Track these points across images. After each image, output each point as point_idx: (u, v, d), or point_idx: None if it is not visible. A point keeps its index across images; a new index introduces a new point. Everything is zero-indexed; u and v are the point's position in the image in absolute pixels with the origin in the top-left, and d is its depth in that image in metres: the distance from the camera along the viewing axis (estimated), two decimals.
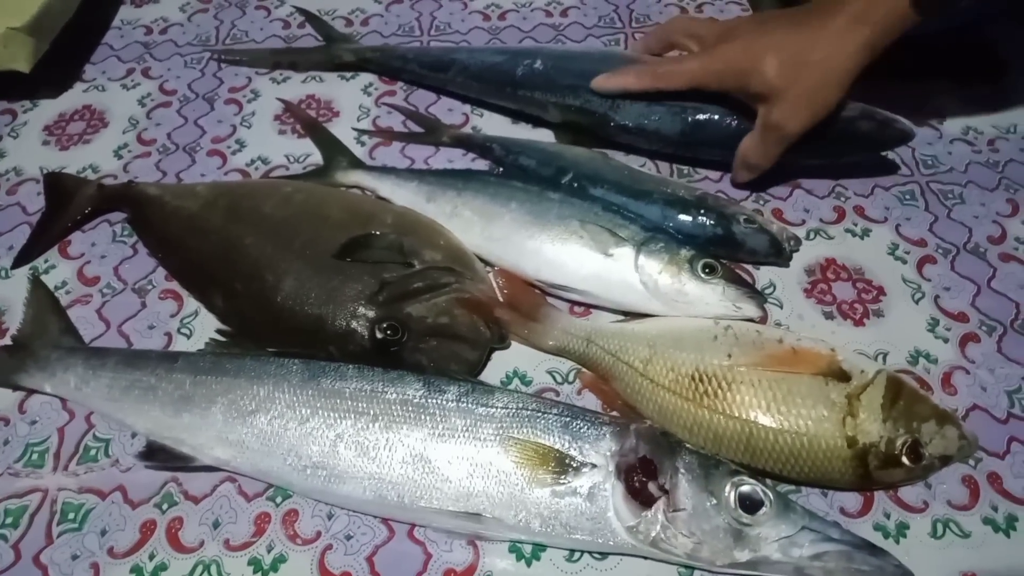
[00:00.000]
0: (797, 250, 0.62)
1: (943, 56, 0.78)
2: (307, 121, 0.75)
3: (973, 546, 0.48)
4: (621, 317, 0.59)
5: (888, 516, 0.50)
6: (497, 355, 0.58)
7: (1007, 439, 0.53)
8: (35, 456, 0.53)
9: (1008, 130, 0.74)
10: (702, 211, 0.61)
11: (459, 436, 0.47)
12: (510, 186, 0.63)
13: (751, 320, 0.56)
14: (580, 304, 0.60)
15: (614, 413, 0.53)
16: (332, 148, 0.71)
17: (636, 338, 0.54)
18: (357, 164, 0.69)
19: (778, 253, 0.61)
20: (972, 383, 0.56)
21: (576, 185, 0.64)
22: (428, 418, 0.48)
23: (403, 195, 0.66)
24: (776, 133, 0.60)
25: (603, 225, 0.58)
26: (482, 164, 0.72)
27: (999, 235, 0.65)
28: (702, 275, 0.55)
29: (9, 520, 0.50)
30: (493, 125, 0.76)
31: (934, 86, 0.78)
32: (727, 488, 0.44)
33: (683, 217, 0.61)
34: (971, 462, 0.52)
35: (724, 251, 0.61)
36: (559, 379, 0.57)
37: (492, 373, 0.57)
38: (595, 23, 0.87)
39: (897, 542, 0.49)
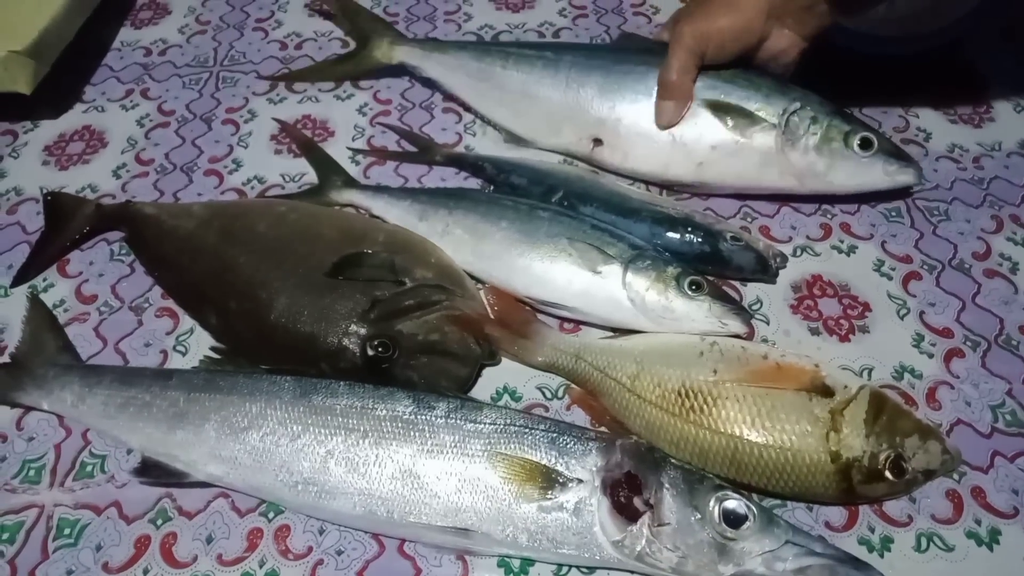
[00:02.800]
0: (783, 267, 0.63)
1: (928, 75, 0.79)
2: (302, 141, 0.76)
3: (956, 560, 0.49)
4: (610, 333, 0.60)
5: (872, 530, 0.50)
6: (487, 371, 0.58)
7: (990, 453, 0.54)
8: (32, 472, 0.54)
9: (992, 147, 0.75)
10: (689, 229, 0.62)
11: (448, 452, 0.48)
12: (501, 204, 0.64)
13: (737, 336, 0.56)
14: (569, 320, 0.61)
15: (601, 429, 0.54)
16: (327, 167, 0.72)
17: (624, 354, 0.55)
18: (351, 183, 0.70)
19: (764, 270, 0.62)
20: (956, 398, 0.57)
21: (566, 203, 0.65)
22: (417, 434, 0.49)
23: (396, 214, 0.67)
24: (674, 38, 0.65)
25: (592, 243, 0.59)
26: (474, 183, 0.73)
27: (984, 251, 0.66)
28: (688, 292, 0.56)
29: (5, 536, 0.51)
30: (486, 144, 0.77)
31: (919, 105, 0.79)
32: (711, 503, 0.45)
33: (671, 235, 0.62)
34: (955, 476, 0.52)
35: (711, 268, 0.62)
36: (548, 395, 0.57)
37: (482, 389, 0.57)
38: None
39: (881, 556, 0.49)
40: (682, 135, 0.66)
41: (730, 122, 0.65)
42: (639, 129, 0.68)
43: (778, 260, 0.63)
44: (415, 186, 0.73)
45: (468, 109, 0.78)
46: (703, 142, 0.66)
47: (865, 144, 0.63)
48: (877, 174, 0.64)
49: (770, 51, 0.66)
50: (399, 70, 0.82)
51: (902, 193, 0.70)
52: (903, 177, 0.64)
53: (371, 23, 0.83)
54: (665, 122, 0.66)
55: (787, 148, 0.64)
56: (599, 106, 0.69)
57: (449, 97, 0.80)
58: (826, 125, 0.64)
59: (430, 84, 0.81)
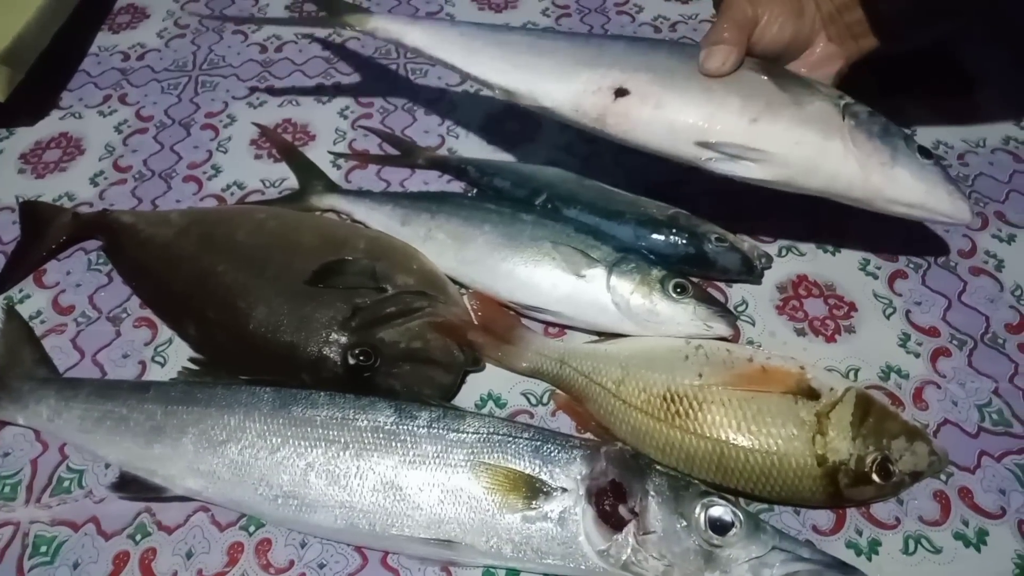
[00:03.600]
0: (768, 267, 0.63)
1: (913, 72, 0.79)
2: (282, 145, 0.75)
3: (944, 562, 0.49)
4: (595, 337, 0.59)
5: (860, 533, 0.50)
6: (471, 378, 0.58)
7: (977, 453, 0.53)
8: (7, 489, 0.53)
9: (977, 144, 0.75)
10: (674, 230, 0.62)
11: (430, 462, 0.47)
12: (483, 208, 0.63)
13: (723, 339, 0.56)
14: (554, 325, 0.60)
15: (586, 435, 0.54)
16: (308, 172, 0.71)
17: (609, 359, 0.54)
18: (332, 188, 0.70)
19: (749, 271, 0.62)
20: (943, 398, 0.56)
21: (550, 206, 0.65)
22: (399, 445, 0.48)
23: (377, 218, 0.66)
24: (726, 3, 0.58)
25: (575, 246, 0.58)
26: (457, 186, 0.72)
27: (969, 249, 0.66)
28: (673, 295, 0.56)
29: None
30: (469, 147, 0.76)
31: (905, 101, 0.79)
32: (697, 510, 0.45)
33: (656, 236, 0.62)
34: (942, 477, 0.52)
35: (696, 270, 0.61)
36: (533, 401, 0.57)
37: (466, 396, 0.57)
38: None
39: (869, 559, 0.49)
40: (733, 84, 0.56)
41: (786, 87, 0.56)
42: (680, 74, 0.56)
43: (763, 261, 0.62)
44: (397, 190, 0.72)
45: (453, 69, 0.64)
46: (758, 96, 0.55)
47: (925, 152, 0.56)
48: (940, 191, 0.55)
49: (812, 59, 0.62)
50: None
51: None
52: (963, 204, 0.55)
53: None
54: (713, 65, 0.55)
55: (849, 125, 0.55)
56: (627, 58, 0.58)
57: (431, 61, 0.66)
58: (885, 121, 0.57)
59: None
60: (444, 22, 0.73)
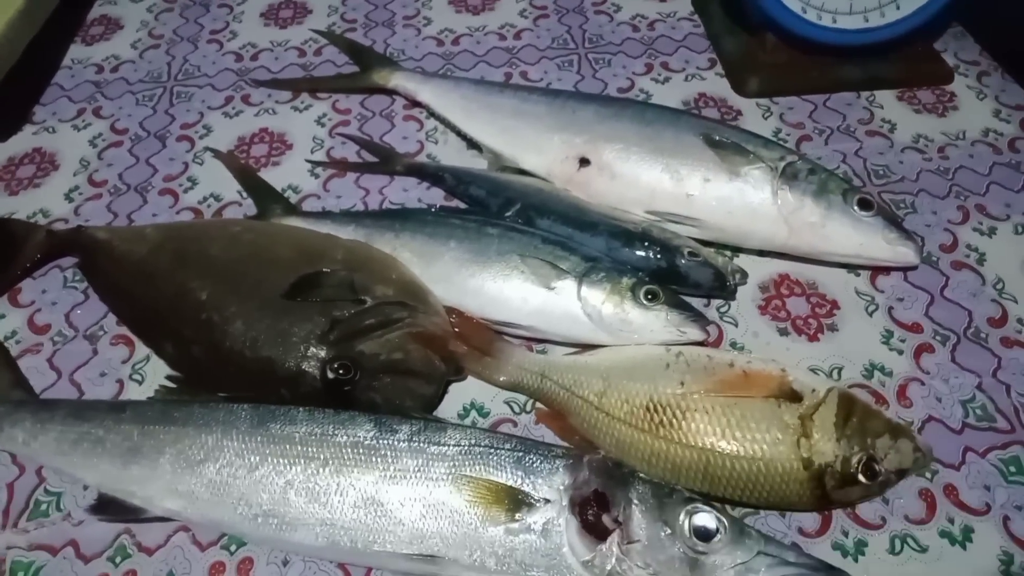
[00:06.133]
0: (743, 283, 0.62)
1: (892, 65, 0.79)
2: (239, 169, 0.73)
3: (931, 560, 0.49)
4: (575, 349, 0.58)
5: (846, 534, 0.50)
6: (454, 387, 0.57)
7: (962, 450, 0.53)
8: None
9: (957, 136, 0.75)
10: (646, 243, 0.61)
11: (411, 477, 0.47)
12: (448, 224, 0.62)
13: (701, 343, 0.56)
14: (527, 339, 0.60)
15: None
16: (265, 196, 0.70)
17: (589, 371, 0.54)
18: (291, 210, 0.68)
19: (722, 287, 0.60)
20: (927, 394, 0.56)
21: (523, 216, 0.64)
22: (379, 460, 0.47)
23: None
24: None
25: (544, 258, 0.58)
26: (437, 193, 0.72)
27: (951, 243, 0.66)
28: (644, 302, 0.55)
29: None
30: (447, 153, 0.76)
31: (884, 96, 0.79)
32: (681, 517, 0.44)
33: (627, 249, 0.61)
34: (927, 475, 0.52)
35: (669, 284, 0.59)
36: (516, 409, 0.56)
37: (449, 406, 0.56)
38: (548, 44, 0.88)
39: (856, 560, 0.49)
40: (676, 164, 0.63)
41: (727, 158, 0.62)
42: (631, 152, 0.65)
43: (737, 277, 0.61)
44: (360, 209, 0.71)
45: (458, 133, 0.75)
46: (696, 174, 0.62)
47: (864, 204, 0.60)
48: (877, 240, 0.60)
49: None
50: None
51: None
52: (904, 249, 0.60)
53: (375, 56, 0.84)
54: None
55: (782, 192, 0.60)
56: (593, 126, 0.67)
57: (438, 119, 0.77)
58: (825, 177, 0.61)
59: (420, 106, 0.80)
60: (449, 82, 0.78)
